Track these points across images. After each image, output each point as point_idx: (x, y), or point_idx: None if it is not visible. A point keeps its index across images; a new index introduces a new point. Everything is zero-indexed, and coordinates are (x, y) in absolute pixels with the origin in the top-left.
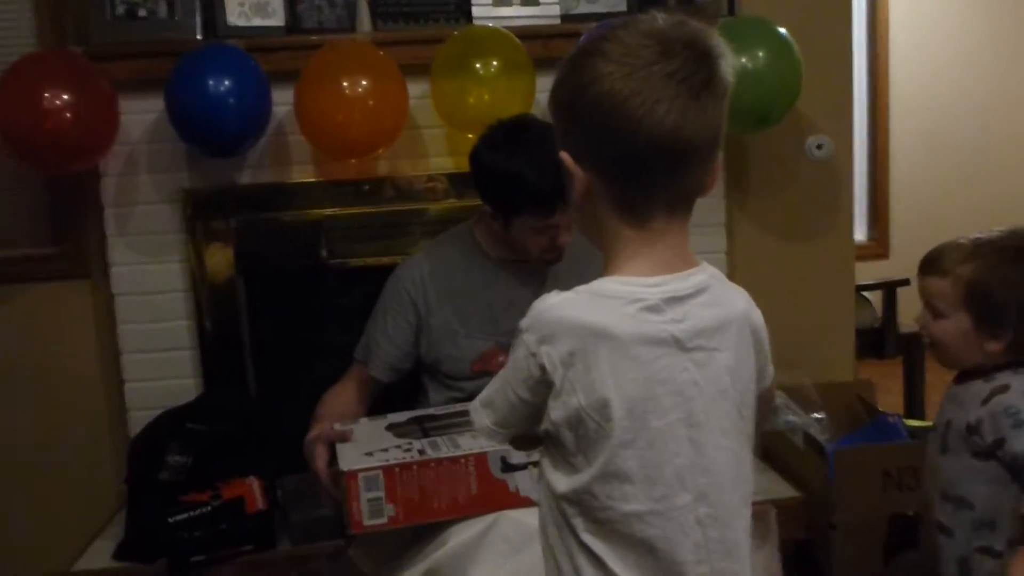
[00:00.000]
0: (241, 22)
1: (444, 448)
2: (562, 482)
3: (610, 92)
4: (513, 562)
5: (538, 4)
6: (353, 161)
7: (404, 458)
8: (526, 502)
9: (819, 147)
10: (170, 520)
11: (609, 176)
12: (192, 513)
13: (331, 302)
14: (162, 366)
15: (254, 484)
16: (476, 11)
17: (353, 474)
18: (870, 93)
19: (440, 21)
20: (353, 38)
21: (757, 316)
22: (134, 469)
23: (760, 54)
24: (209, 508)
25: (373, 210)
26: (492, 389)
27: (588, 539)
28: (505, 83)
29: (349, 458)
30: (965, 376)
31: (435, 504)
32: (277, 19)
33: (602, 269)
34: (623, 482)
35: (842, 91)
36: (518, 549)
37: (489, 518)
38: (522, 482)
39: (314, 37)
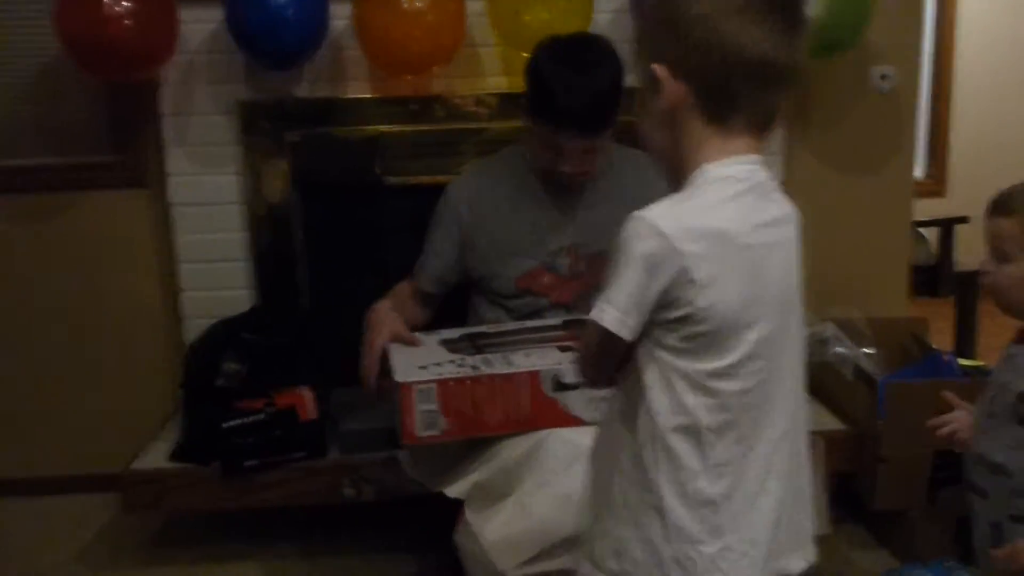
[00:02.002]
0: None
1: (497, 365)
2: (707, 366)
3: (715, 10)
4: (561, 479)
5: None
6: (409, 78)
7: (458, 373)
8: (577, 421)
9: (884, 78)
10: (225, 425)
11: (702, 90)
12: (246, 419)
13: (384, 218)
14: (217, 276)
15: (306, 394)
16: None
17: (408, 386)
18: (936, 25)
19: None
20: None
21: None
22: (191, 375)
23: None
24: (263, 415)
25: (428, 128)
26: (610, 289)
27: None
28: (563, 1)
29: (404, 370)
30: None
31: (487, 419)
32: None
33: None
34: (756, 355)
35: (912, 20)
36: (567, 467)
37: (540, 435)
38: (573, 402)
39: None
